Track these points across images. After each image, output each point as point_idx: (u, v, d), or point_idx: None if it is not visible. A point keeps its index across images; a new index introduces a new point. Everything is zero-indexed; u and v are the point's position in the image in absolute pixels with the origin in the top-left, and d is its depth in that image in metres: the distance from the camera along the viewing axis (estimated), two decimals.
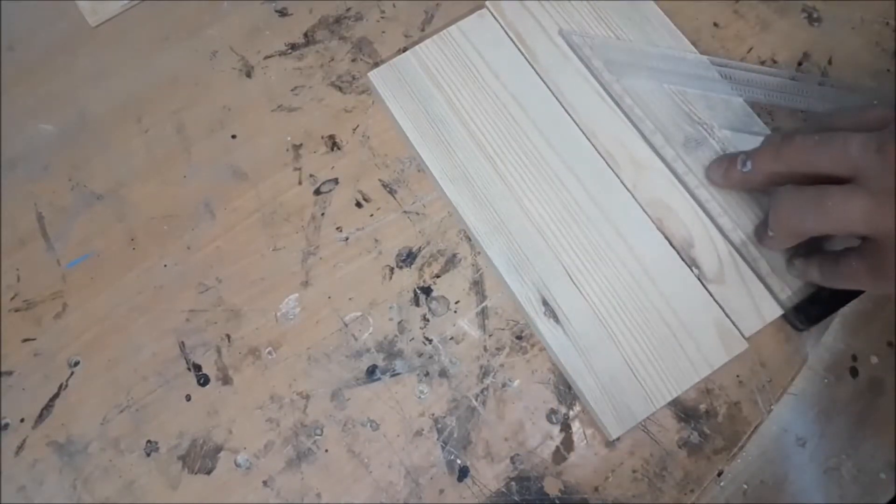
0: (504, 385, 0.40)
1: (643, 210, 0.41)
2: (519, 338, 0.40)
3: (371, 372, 0.40)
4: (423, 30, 0.47)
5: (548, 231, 0.41)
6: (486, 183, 0.42)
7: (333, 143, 0.45)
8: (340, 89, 0.46)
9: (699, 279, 0.40)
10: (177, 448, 0.39)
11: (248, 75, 0.47)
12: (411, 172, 0.44)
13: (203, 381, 0.40)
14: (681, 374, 0.38)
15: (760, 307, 0.39)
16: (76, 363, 0.40)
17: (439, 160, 0.43)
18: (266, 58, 0.47)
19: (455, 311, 0.41)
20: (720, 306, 0.39)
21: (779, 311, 0.39)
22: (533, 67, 0.45)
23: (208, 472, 0.38)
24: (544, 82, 0.44)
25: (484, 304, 0.41)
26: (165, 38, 0.47)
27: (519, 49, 0.45)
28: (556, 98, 0.44)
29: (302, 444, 0.39)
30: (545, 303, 0.40)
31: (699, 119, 0.43)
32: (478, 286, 0.41)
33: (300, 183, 0.44)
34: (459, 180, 0.42)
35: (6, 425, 0.39)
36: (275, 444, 0.39)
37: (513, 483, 0.38)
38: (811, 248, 0.39)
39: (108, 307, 0.41)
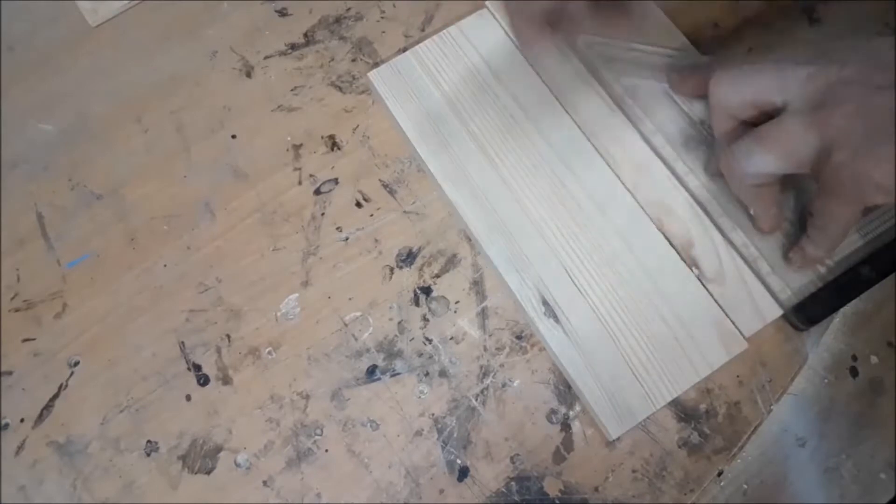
0: (504, 385, 0.40)
1: (643, 210, 0.41)
2: (519, 338, 0.40)
3: (371, 372, 0.40)
4: (423, 30, 0.47)
5: (547, 231, 0.41)
6: (485, 183, 0.42)
7: (333, 143, 0.45)
8: (340, 89, 0.46)
9: (699, 279, 0.40)
10: (177, 448, 0.38)
11: (248, 75, 0.47)
12: (411, 172, 0.44)
13: (203, 381, 0.40)
14: (681, 373, 0.38)
15: (760, 307, 0.39)
16: (76, 363, 0.40)
17: (439, 160, 0.43)
18: (266, 58, 0.47)
19: (455, 311, 0.41)
20: (720, 306, 0.39)
21: (779, 312, 0.39)
22: (533, 67, 0.45)
23: (208, 472, 0.38)
24: (544, 82, 0.44)
25: (484, 304, 0.41)
26: (165, 38, 0.47)
27: (519, 49, 0.45)
28: (556, 98, 0.44)
29: (302, 444, 0.39)
30: (545, 303, 0.40)
31: (699, 119, 0.43)
32: (478, 286, 0.41)
33: (300, 183, 0.44)
34: (459, 180, 0.42)
35: (6, 425, 0.39)
36: (275, 444, 0.39)
37: (513, 483, 0.38)
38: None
39: (108, 307, 0.41)
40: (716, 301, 0.39)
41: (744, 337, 0.39)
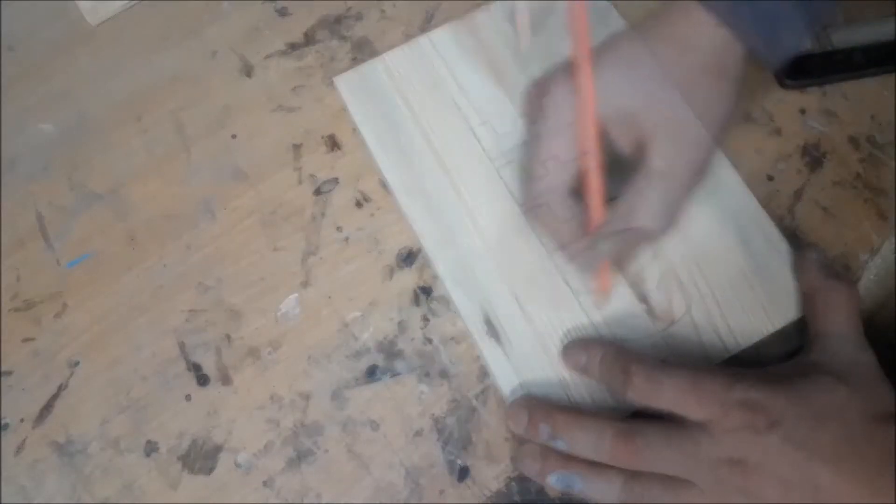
0: None
1: None
2: None
3: (371, 372, 0.40)
4: (423, 30, 0.47)
5: (498, 251, 0.41)
6: (441, 196, 0.42)
7: (333, 143, 0.45)
8: None
9: (647, 314, 0.39)
10: (177, 448, 0.38)
11: (248, 75, 0.46)
12: None
13: (203, 381, 0.40)
14: (620, 406, 0.37)
15: (709, 351, 0.39)
16: (76, 363, 0.40)
17: (396, 169, 0.42)
18: (266, 57, 0.47)
19: (455, 311, 0.41)
20: (666, 344, 0.39)
21: (725, 356, 0.38)
22: (501, 86, 0.44)
23: (208, 473, 0.38)
24: (509, 100, 0.44)
25: None
26: (165, 38, 0.47)
27: (489, 66, 0.45)
28: (521, 118, 0.43)
29: (302, 445, 0.38)
30: (488, 322, 0.39)
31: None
32: None
33: (300, 183, 0.44)
34: (414, 191, 0.42)
35: (6, 425, 0.39)
36: (275, 445, 0.39)
37: (513, 483, 0.38)
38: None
39: (108, 307, 0.41)
40: (663, 339, 0.39)
41: None
